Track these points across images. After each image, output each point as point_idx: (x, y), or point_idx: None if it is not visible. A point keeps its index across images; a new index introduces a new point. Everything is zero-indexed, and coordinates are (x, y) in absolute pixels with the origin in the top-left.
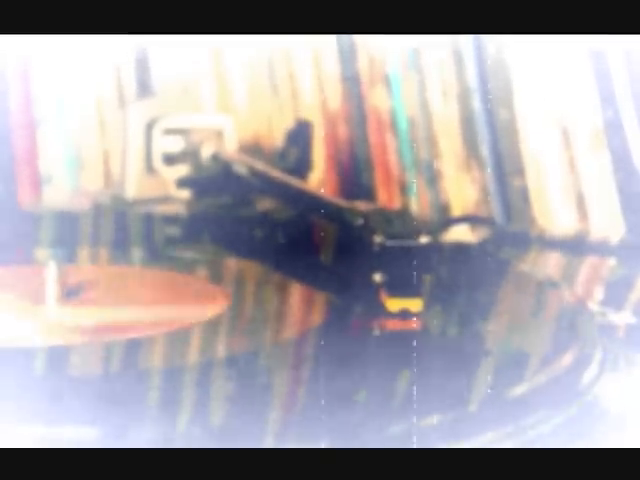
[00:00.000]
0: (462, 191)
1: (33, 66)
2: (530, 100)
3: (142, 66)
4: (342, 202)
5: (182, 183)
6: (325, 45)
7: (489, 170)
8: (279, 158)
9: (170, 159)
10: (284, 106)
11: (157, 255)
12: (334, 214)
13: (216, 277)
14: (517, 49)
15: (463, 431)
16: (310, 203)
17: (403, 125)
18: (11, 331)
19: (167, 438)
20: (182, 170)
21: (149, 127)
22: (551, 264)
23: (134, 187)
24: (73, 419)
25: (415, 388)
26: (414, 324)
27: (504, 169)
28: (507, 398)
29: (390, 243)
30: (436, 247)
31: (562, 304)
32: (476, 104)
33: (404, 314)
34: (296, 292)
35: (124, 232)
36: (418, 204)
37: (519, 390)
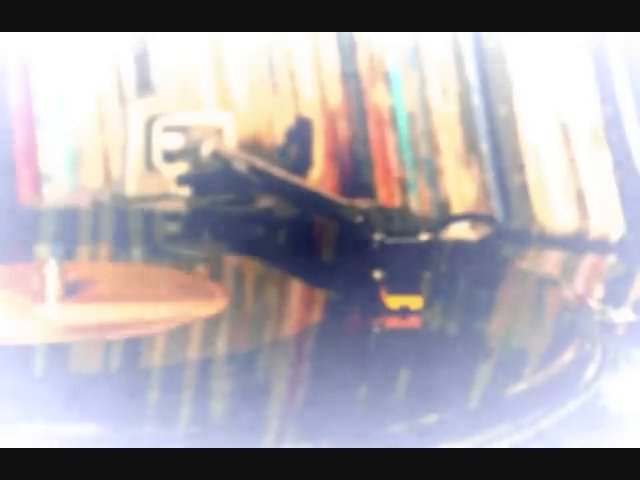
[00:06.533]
0: (462, 188)
1: (33, 64)
2: (530, 97)
3: (142, 63)
4: (342, 199)
5: (182, 180)
6: (325, 42)
7: (489, 167)
8: (279, 155)
9: (170, 156)
10: (284, 103)
11: (157, 252)
12: (334, 211)
13: (216, 274)
14: (517, 46)
15: (462, 429)
16: (310, 200)
17: (403, 122)
18: (10, 329)
19: (167, 436)
20: (182, 167)
21: (149, 124)
22: (551, 262)
23: (134, 184)
24: (72, 417)
25: (415, 386)
26: (414, 321)
27: (504, 166)
28: (507, 396)
29: (390, 240)
30: (436, 244)
31: (562, 302)
32: (476, 101)
33: (404, 311)
34: (296, 289)
35: (124, 229)
36: (418, 201)
37: (519, 388)
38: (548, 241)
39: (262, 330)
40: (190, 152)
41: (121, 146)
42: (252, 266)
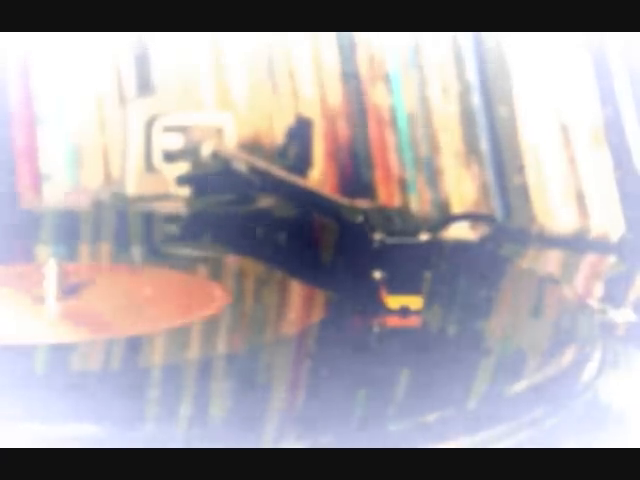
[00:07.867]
0: (462, 188)
1: (33, 63)
2: (530, 97)
3: (142, 63)
4: (342, 199)
5: (182, 180)
6: (325, 42)
7: (489, 167)
8: (279, 155)
9: (170, 156)
10: (284, 103)
11: (157, 253)
12: (334, 211)
13: (216, 274)
14: (517, 46)
15: (463, 428)
16: (310, 200)
17: (403, 122)
18: (11, 329)
19: (167, 436)
20: (182, 168)
21: (149, 124)
22: (551, 261)
23: (134, 185)
24: (73, 417)
25: (415, 385)
26: (414, 321)
27: (504, 166)
28: (506, 396)
29: (390, 240)
30: (436, 244)
31: (562, 301)
32: (476, 101)
33: (404, 311)
34: (296, 289)
35: (124, 230)
36: (418, 201)
37: (518, 388)
38: (548, 241)
39: (262, 330)
40: (190, 152)
41: (121, 146)
42: (252, 266)
